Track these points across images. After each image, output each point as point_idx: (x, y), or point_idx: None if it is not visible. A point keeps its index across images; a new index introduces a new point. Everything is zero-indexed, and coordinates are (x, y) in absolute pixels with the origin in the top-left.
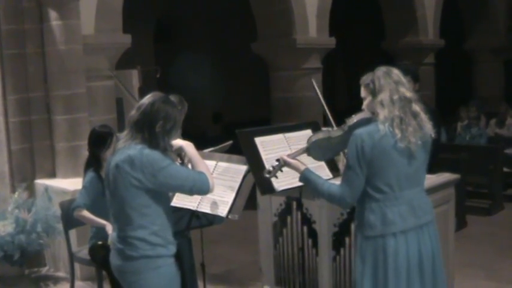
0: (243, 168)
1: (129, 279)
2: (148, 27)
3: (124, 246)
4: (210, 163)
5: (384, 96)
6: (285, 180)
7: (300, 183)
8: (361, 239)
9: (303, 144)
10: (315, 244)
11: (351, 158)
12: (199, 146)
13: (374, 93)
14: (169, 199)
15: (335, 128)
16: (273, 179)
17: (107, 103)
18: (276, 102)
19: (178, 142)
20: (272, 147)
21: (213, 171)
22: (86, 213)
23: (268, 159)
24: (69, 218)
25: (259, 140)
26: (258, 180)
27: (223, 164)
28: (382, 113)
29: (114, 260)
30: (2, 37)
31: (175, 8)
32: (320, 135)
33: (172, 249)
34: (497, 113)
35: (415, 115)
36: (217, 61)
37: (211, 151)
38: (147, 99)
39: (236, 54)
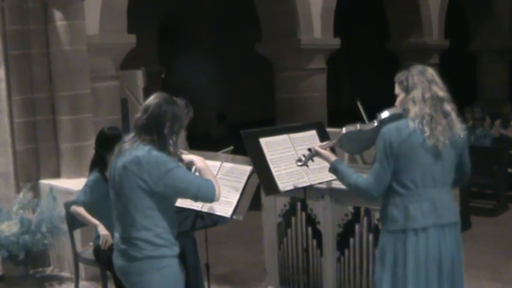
0: (248, 168)
1: (132, 279)
2: (153, 27)
3: (128, 247)
4: (215, 164)
5: (416, 93)
6: (290, 181)
7: (304, 184)
8: (383, 232)
9: (308, 145)
10: (320, 245)
11: (379, 152)
12: (204, 147)
13: (407, 90)
14: (174, 201)
15: (366, 122)
16: (277, 180)
17: (111, 103)
18: (281, 103)
19: (189, 157)
20: (277, 147)
21: (217, 172)
22: (81, 211)
23: (273, 160)
24: (73, 218)
25: (263, 141)
26: (263, 180)
27: (227, 165)
28: (413, 110)
29: (117, 260)
30: (7, 38)
31: (179, 9)
32: (351, 128)
33: (176, 250)
34: (502, 113)
35: (445, 114)
36: (221, 61)
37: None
38: (152, 100)
39: (241, 55)
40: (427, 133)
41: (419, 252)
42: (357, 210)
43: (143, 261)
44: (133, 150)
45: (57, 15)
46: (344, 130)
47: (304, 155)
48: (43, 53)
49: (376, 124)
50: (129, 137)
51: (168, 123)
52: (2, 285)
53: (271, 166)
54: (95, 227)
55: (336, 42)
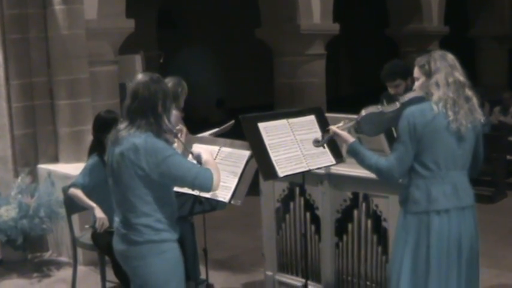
0: (246, 153)
1: (133, 263)
2: (152, 12)
3: (128, 231)
4: (213, 148)
5: (439, 77)
6: (288, 166)
7: (303, 169)
8: (404, 213)
9: (307, 130)
10: (318, 230)
11: (403, 133)
12: (203, 131)
13: (429, 74)
14: (173, 187)
15: (386, 104)
16: (276, 165)
17: (109, 88)
18: (280, 88)
19: (197, 150)
20: (275, 132)
21: (216, 156)
22: (79, 193)
23: (272, 145)
24: (72, 203)
25: (262, 126)
26: (261, 165)
27: (226, 149)
28: (437, 94)
29: (117, 244)
30: (5, 22)
31: None
32: (372, 109)
33: (176, 234)
34: (501, 100)
35: (467, 99)
36: (220, 46)
37: (215, 132)
38: (138, 83)
39: (240, 40)
40: (451, 117)
41: (442, 233)
42: (355, 195)
43: (144, 246)
44: (131, 137)
45: None
46: (364, 112)
47: (322, 136)
48: (41, 37)
49: (398, 106)
50: (124, 125)
51: (160, 101)
52: (1, 270)
53: (269, 151)
54: (92, 209)
55: (335, 28)
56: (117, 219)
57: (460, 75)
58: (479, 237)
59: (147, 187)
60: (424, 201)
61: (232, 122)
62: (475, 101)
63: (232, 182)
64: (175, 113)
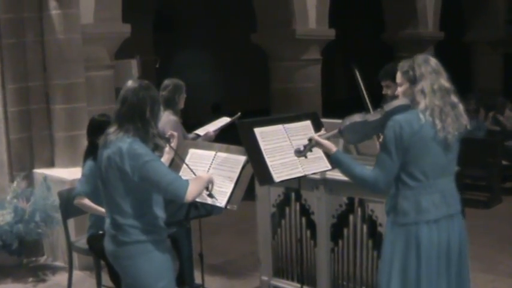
0: (242, 158)
1: (122, 263)
2: (148, 17)
3: (116, 232)
4: (209, 153)
5: (424, 84)
6: (284, 171)
7: (299, 175)
8: (392, 225)
9: (303, 135)
10: (313, 235)
11: (388, 143)
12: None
13: (413, 80)
14: None
15: (371, 112)
16: (271, 170)
17: (105, 93)
18: (275, 93)
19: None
20: (271, 138)
21: (212, 162)
22: (86, 201)
23: (267, 150)
24: (67, 208)
25: (258, 131)
26: (257, 170)
27: (222, 155)
28: (423, 102)
29: (108, 245)
30: (1, 26)
31: None
32: (356, 118)
33: (163, 234)
34: (496, 105)
35: (453, 106)
36: (216, 51)
37: (220, 127)
38: (128, 90)
39: (235, 45)
40: (439, 126)
41: (431, 242)
42: (351, 200)
43: (132, 246)
44: (117, 141)
45: (52, 3)
46: (348, 121)
47: (304, 145)
48: (37, 41)
49: (380, 116)
50: (112, 129)
51: (148, 107)
52: None
53: (265, 156)
54: (92, 216)
55: (331, 33)
56: (107, 221)
57: (445, 81)
58: (470, 243)
59: (132, 189)
60: (413, 213)
61: (239, 114)
62: (460, 107)
63: (228, 187)
64: (173, 119)
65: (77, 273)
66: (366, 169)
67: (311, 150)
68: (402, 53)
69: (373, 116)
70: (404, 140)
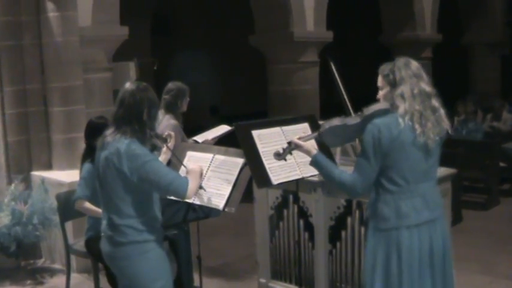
0: (240, 161)
1: (119, 264)
2: (146, 19)
3: (113, 233)
4: (207, 156)
5: (404, 88)
6: (282, 174)
7: (297, 177)
8: (373, 230)
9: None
10: (311, 237)
11: (367, 147)
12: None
13: (393, 84)
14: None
15: (352, 115)
16: (269, 173)
17: (103, 95)
18: (273, 96)
19: (189, 167)
20: (269, 140)
21: (209, 164)
22: (87, 205)
23: (265, 153)
24: (65, 210)
25: (256, 133)
26: (255, 173)
27: (220, 157)
28: (403, 106)
29: (104, 246)
30: None
31: (172, 0)
32: (335, 122)
33: (159, 235)
34: (494, 107)
35: (434, 110)
36: (214, 54)
37: (218, 136)
38: (126, 91)
39: (233, 47)
40: (418, 131)
41: (412, 247)
42: (349, 203)
43: (128, 246)
44: (115, 142)
45: (50, 6)
46: (327, 124)
47: (283, 148)
48: (35, 44)
49: (362, 118)
50: (110, 130)
51: (146, 109)
52: None
53: (263, 159)
54: (90, 218)
55: (329, 36)
56: (104, 222)
57: (425, 85)
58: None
59: (129, 190)
60: (393, 218)
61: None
62: (442, 111)
63: (226, 190)
64: (173, 123)
65: (74, 276)
66: (345, 173)
67: (291, 153)
68: (400, 55)
69: (353, 119)
70: (382, 144)
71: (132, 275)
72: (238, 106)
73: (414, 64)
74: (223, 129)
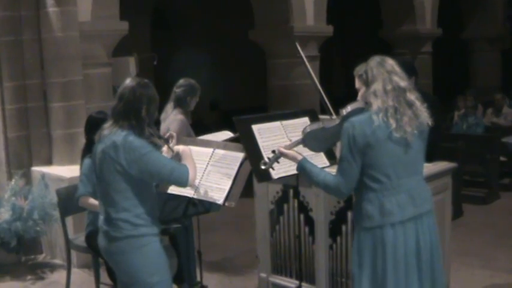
0: (240, 155)
1: (115, 259)
2: (146, 14)
3: (109, 228)
4: (207, 150)
5: (377, 86)
6: (282, 168)
7: (296, 172)
8: (358, 229)
9: (301, 132)
10: (312, 232)
11: (345, 146)
12: (197, 134)
13: (367, 83)
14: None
15: (334, 116)
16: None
17: (103, 90)
18: (273, 90)
19: (177, 147)
20: (269, 134)
21: (209, 159)
22: (91, 201)
23: (265, 147)
24: (65, 205)
25: (256, 128)
26: (255, 167)
27: (220, 152)
28: (376, 104)
29: (101, 241)
30: None
31: None
32: (314, 126)
33: (156, 229)
34: (494, 102)
35: (410, 104)
36: (214, 49)
37: (226, 139)
38: (126, 87)
39: (233, 42)
40: (393, 126)
41: (397, 245)
42: (349, 197)
43: (124, 241)
44: (112, 135)
45: (49, 1)
46: (308, 129)
47: (268, 158)
48: (35, 39)
49: (338, 121)
50: (107, 124)
51: (145, 106)
52: None
53: (263, 153)
54: (90, 213)
55: (329, 30)
56: (101, 217)
57: (400, 80)
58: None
59: (126, 183)
60: (377, 216)
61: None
62: (418, 104)
63: (226, 184)
64: (180, 118)
65: (75, 271)
66: (329, 175)
67: (278, 162)
68: (400, 50)
69: (331, 122)
70: (357, 142)
71: (128, 270)
72: (238, 101)
73: (389, 61)
74: (225, 135)
